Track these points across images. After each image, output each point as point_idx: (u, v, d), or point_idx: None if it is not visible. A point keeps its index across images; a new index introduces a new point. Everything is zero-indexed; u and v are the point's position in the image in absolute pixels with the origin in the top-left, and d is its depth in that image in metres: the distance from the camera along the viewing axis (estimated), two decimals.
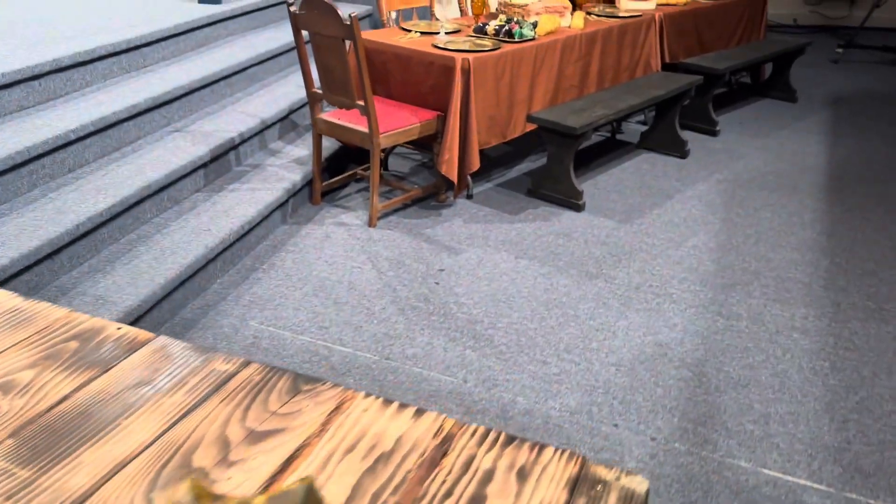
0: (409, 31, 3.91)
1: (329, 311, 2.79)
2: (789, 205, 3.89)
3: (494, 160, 4.40)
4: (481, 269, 3.15)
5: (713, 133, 4.93)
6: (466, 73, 3.44)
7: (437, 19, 4.46)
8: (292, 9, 3.28)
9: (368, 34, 3.80)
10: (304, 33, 3.48)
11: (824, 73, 6.70)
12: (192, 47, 4.25)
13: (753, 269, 3.23)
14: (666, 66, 4.87)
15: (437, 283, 3.02)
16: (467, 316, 2.80)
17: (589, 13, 4.55)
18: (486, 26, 3.82)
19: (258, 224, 3.22)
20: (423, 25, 4.02)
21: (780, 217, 3.75)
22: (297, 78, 4.50)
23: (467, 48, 3.55)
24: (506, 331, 2.72)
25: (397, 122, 3.43)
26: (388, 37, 3.77)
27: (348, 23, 3.06)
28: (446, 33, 3.87)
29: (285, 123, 4.08)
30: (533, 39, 3.81)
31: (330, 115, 3.53)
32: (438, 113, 3.57)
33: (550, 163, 3.76)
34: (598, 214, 3.71)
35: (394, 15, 4.64)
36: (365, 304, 2.84)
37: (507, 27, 3.75)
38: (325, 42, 3.25)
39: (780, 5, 8.87)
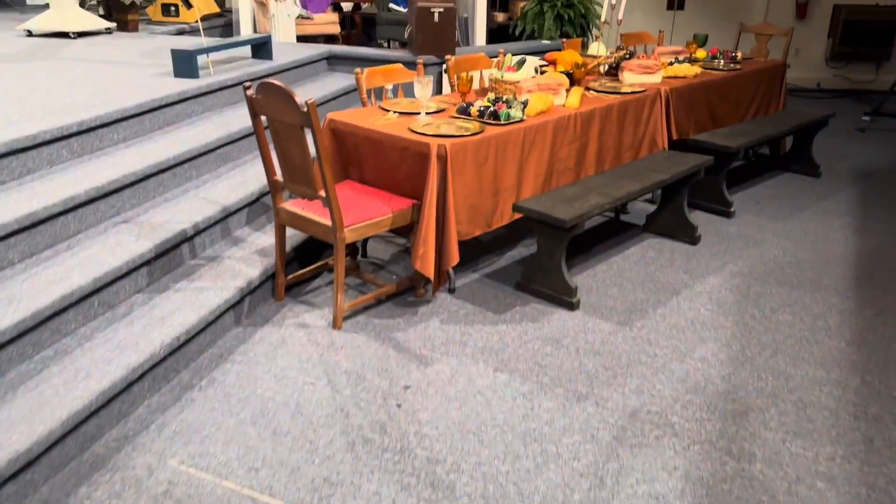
0: (389, 111, 3.59)
1: (265, 446, 2.38)
2: (812, 305, 3.44)
3: (484, 245, 4.03)
4: (453, 387, 2.74)
5: (727, 214, 4.52)
6: (443, 160, 3.09)
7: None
8: (249, 92, 2.98)
9: (341, 115, 3.48)
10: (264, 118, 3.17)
11: (850, 144, 6.29)
12: (160, 126, 3.98)
13: (770, 389, 2.78)
14: (674, 144, 4.50)
15: (398, 406, 2.61)
16: (428, 453, 2.38)
17: (589, 88, 4.22)
18: (471, 107, 3.49)
19: (202, 331, 2.86)
20: (404, 104, 3.71)
21: (801, 321, 3.30)
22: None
23: (445, 132, 3.21)
24: (471, 474, 2.29)
25: (366, 212, 3.08)
26: (362, 118, 3.46)
27: (305, 110, 2.74)
28: (427, 114, 3.55)
29: (255, 208, 3.76)
30: (521, 121, 3.47)
31: (293, 204, 3.19)
32: (415, 202, 3.22)
33: (540, 255, 3.38)
34: (593, 314, 3.30)
35: (388, 91, 4.34)
36: (309, 436, 2.44)
37: (492, 108, 3.41)
38: (283, 129, 2.94)
39: (802, 69, 8.54)
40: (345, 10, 8.11)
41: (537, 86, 3.84)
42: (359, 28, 8.16)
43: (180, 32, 6.94)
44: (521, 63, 4.13)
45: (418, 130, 3.22)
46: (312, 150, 3.05)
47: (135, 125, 3.78)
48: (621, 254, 3.96)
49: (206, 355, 2.88)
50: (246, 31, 6.52)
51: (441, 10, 5.57)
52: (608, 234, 4.23)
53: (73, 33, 5.92)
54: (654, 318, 3.29)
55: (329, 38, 7.49)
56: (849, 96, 8.24)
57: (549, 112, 3.67)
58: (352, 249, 3.66)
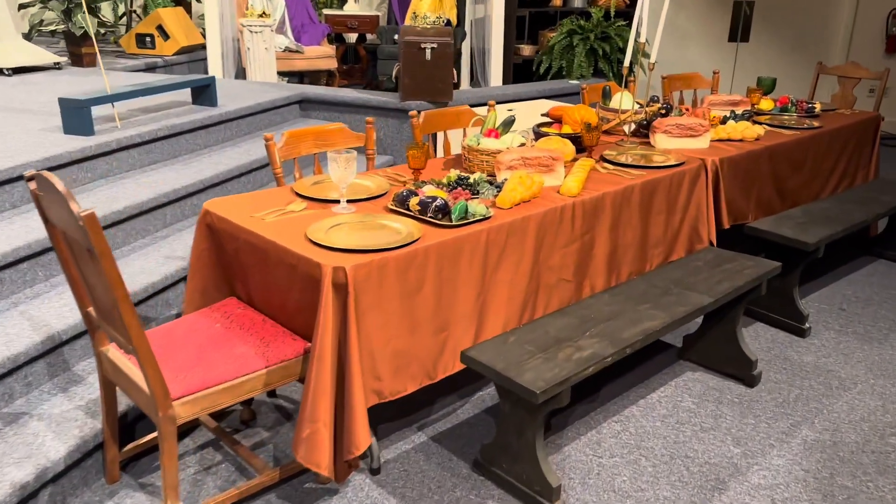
0: (299, 198, 2.49)
1: None
2: None
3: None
4: None
5: (800, 332, 3.25)
6: (342, 289, 1.96)
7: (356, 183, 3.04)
8: (31, 186, 1.90)
9: (221, 204, 2.38)
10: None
11: None
12: (13, 205, 2.97)
13: None
14: (724, 234, 3.27)
15: None
16: None
17: (604, 159, 3.03)
18: (412, 196, 2.35)
19: None
20: (326, 185, 2.60)
21: None
22: (175, 243, 3.13)
23: (358, 242, 2.07)
24: None
25: (222, 368, 1.97)
26: (248, 210, 2.35)
27: (81, 224, 1.65)
28: (350, 202, 2.43)
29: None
30: (485, 218, 2.32)
31: (118, 349, 2.11)
32: (308, 345, 2.10)
33: (506, 430, 2.20)
34: None
35: (338, 162, 3.25)
36: None
37: (438, 202, 2.26)
38: (73, 243, 1.86)
39: (892, 111, 7.12)
40: (347, 41, 7.12)
41: (522, 159, 2.68)
42: (364, 62, 7.15)
43: (150, 68, 6.03)
44: (507, 125, 2.99)
45: (315, 238, 2.09)
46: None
47: None
48: (643, 399, 2.75)
49: None
50: (215, 68, 5.55)
51: (434, 45, 4.48)
52: (625, 358, 3.02)
53: (8, 70, 5.04)
54: None
55: (329, 75, 6.49)
56: None
57: (537, 200, 2.51)
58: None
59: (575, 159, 3.01)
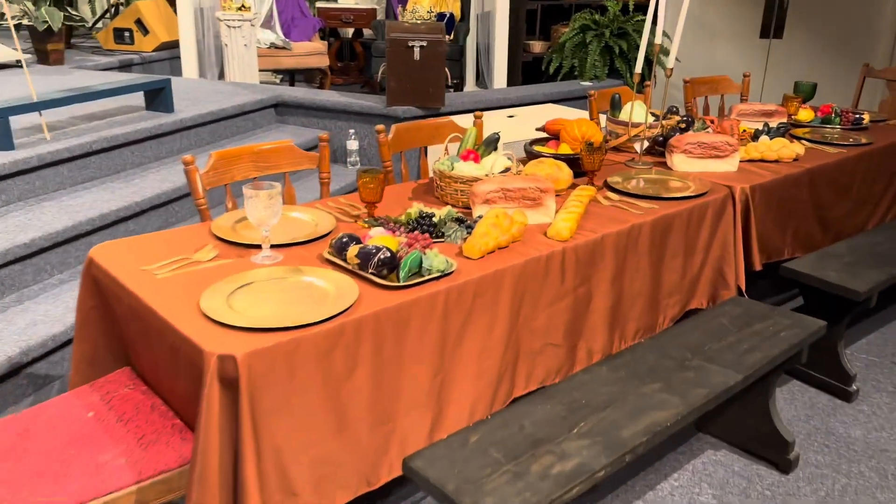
0: (214, 241, 1.98)
1: None
2: None
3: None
4: None
5: (845, 395, 2.69)
6: (232, 386, 1.45)
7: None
8: None
9: (110, 251, 1.87)
10: None
11: None
12: None
13: None
14: (754, 276, 2.71)
15: None
16: None
17: (610, 187, 2.48)
18: (351, 243, 1.82)
19: None
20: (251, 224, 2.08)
21: None
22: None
23: (262, 315, 1.55)
24: None
25: (68, 486, 1.47)
26: (146, 257, 1.84)
27: None
28: (274, 248, 1.91)
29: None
30: (446, 274, 1.79)
31: None
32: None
33: None
34: None
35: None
36: None
37: (382, 254, 1.73)
38: None
39: None
40: (343, 36, 6.59)
41: (503, 192, 2.14)
42: (360, 59, 6.62)
43: (126, 65, 5.56)
44: (490, 144, 2.45)
45: (207, 309, 1.57)
46: None
47: None
48: (651, 491, 2.20)
49: None
50: (190, 67, 5.06)
51: (423, 43, 3.94)
52: None
53: None
54: None
55: (322, 74, 5.98)
56: None
57: (517, 245, 1.97)
58: None
59: (574, 185, 2.47)
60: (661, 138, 2.85)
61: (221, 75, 5.41)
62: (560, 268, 2.02)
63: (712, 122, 3.15)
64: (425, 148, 2.95)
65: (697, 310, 2.53)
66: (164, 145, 3.52)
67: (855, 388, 2.69)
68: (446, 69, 4.33)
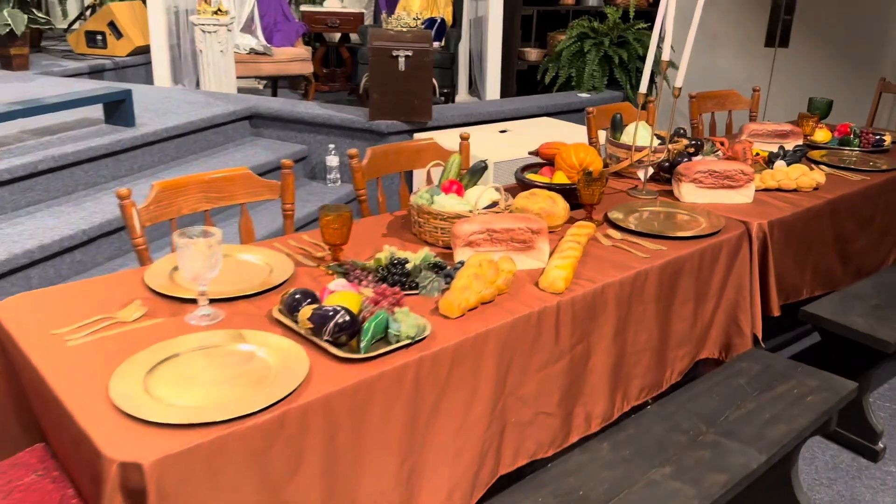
0: (152, 292, 1.68)
1: None
2: None
3: None
4: None
5: (871, 454, 2.40)
6: (139, 498, 1.15)
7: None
8: None
9: (21, 304, 1.57)
10: None
11: None
12: None
13: None
14: (771, 323, 2.42)
15: None
16: None
17: (611, 223, 2.19)
18: (299, 306, 1.53)
19: None
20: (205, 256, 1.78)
21: None
22: None
23: (186, 404, 1.25)
24: None
25: None
26: (62, 314, 1.54)
27: None
28: (214, 303, 1.61)
29: None
30: (416, 342, 1.50)
31: None
32: None
33: None
34: None
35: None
36: None
37: (340, 318, 1.44)
38: None
39: None
40: (329, 41, 6.29)
41: (488, 233, 1.85)
42: (348, 66, 6.32)
43: (97, 71, 5.26)
44: (475, 174, 2.17)
45: (116, 396, 1.27)
46: None
47: None
48: None
49: None
50: (162, 75, 4.75)
51: (409, 53, 3.65)
52: None
53: None
54: None
55: (307, 79, 5.68)
56: None
57: (504, 298, 1.68)
58: None
59: (571, 220, 2.18)
60: (667, 164, 2.56)
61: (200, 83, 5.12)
62: (554, 325, 1.73)
63: (722, 143, 2.86)
64: (403, 174, 2.66)
65: (708, 359, 2.25)
66: (122, 163, 3.22)
67: (882, 446, 2.41)
68: (434, 80, 4.05)
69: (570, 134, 4.05)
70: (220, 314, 1.57)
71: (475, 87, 5.90)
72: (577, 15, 5.71)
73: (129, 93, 3.32)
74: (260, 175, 2.20)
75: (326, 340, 1.45)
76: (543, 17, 6.14)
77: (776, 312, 2.32)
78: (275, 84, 5.80)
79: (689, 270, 2.06)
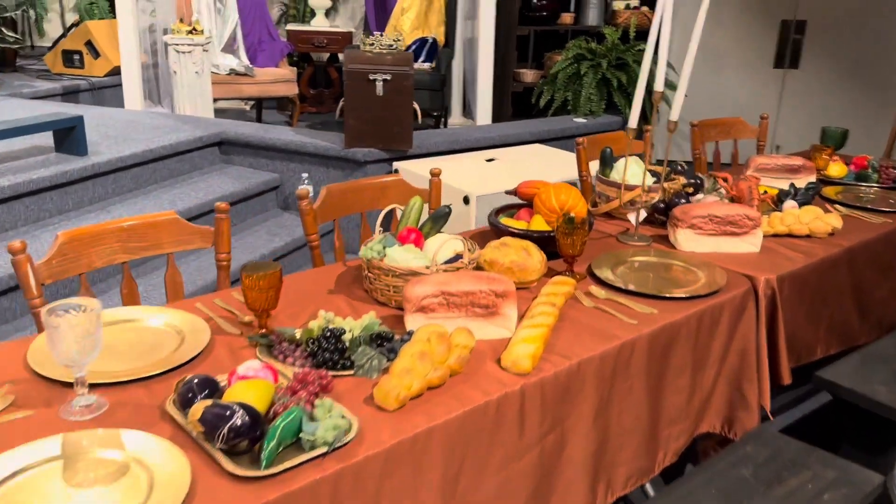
0: (33, 374, 1.40)
1: None
2: None
3: None
4: None
5: None
6: None
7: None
8: None
9: None
10: None
11: None
12: None
13: None
14: (780, 390, 2.11)
15: None
16: None
17: (595, 278, 1.90)
18: (195, 398, 1.24)
19: None
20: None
21: None
22: None
23: None
24: None
25: None
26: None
27: None
28: (94, 388, 1.32)
29: None
30: (336, 449, 1.20)
31: None
32: None
33: None
34: None
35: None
36: None
37: (238, 419, 1.15)
38: None
39: None
40: (317, 61, 6.04)
41: (444, 296, 1.56)
42: (335, 86, 6.06)
43: (72, 92, 5.02)
44: (438, 220, 1.88)
45: None
46: None
47: None
48: None
49: None
50: (134, 97, 4.51)
51: (387, 77, 3.39)
52: None
53: None
54: None
55: (292, 101, 5.43)
56: None
57: (457, 380, 1.39)
58: None
59: (551, 271, 1.89)
60: (662, 205, 2.27)
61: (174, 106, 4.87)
62: (518, 414, 1.43)
63: (725, 180, 2.57)
64: (364, 214, 2.38)
65: (710, 434, 1.95)
66: (70, 195, 2.95)
67: None
68: (415, 105, 3.78)
69: (563, 163, 3.77)
70: (103, 404, 1.28)
71: (468, 110, 5.64)
72: (575, 35, 5.46)
73: (80, 119, 3.06)
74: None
75: (220, 448, 1.15)
76: (540, 38, 5.88)
77: (787, 380, 2.01)
78: (259, 106, 5.55)
79: (685, 337, 1.76)
